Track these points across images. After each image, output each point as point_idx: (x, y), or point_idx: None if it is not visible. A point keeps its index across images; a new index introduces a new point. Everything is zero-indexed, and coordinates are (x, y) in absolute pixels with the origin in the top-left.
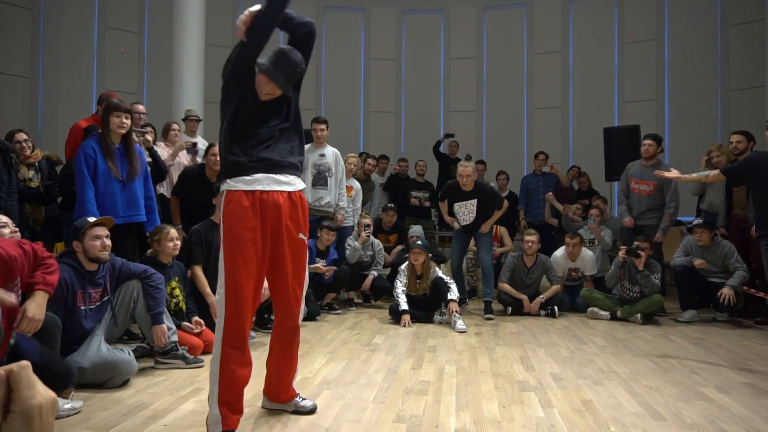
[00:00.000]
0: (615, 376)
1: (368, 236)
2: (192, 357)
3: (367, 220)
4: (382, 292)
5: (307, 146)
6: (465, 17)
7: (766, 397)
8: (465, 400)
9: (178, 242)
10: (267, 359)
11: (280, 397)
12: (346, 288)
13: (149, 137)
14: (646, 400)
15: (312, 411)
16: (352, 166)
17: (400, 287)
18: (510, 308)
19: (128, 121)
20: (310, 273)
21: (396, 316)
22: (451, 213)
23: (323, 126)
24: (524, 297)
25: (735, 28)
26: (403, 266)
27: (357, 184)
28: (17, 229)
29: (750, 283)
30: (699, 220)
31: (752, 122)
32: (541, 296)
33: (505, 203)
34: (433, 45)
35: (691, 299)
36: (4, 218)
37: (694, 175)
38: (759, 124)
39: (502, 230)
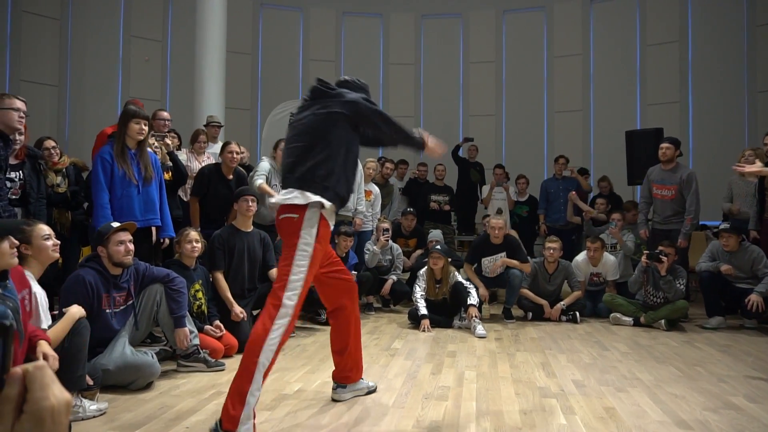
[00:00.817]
0: (639, 383)
1: (387, 240)
2: (213, 360)
3: (386, 225)
4: (402, 296)
5: None
6: (484, 21)
7: None
8: (485, 406)
9: (198, 244)
10: (346, 343)
11: (357, 374)
12: (365, 292)
13: (169, 141)
14: (671, 408)
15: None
16: (371, 171)
17: (419, 292)
18: (530, 314)
19: (146, 128)
20: None
21: (415, 320)
22: (476, 262)
23: None
24: (545, 302)
25: (762, 28)
26: (422, 271)
27: (376, 189)
28: (58, 241)
29: None
30: (726, 225)
31: None
32: (561, 302)
33: (529, 264)
34: (451, 49)
35: (718, 305)
36: (46, 229)
37: None
38: None
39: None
